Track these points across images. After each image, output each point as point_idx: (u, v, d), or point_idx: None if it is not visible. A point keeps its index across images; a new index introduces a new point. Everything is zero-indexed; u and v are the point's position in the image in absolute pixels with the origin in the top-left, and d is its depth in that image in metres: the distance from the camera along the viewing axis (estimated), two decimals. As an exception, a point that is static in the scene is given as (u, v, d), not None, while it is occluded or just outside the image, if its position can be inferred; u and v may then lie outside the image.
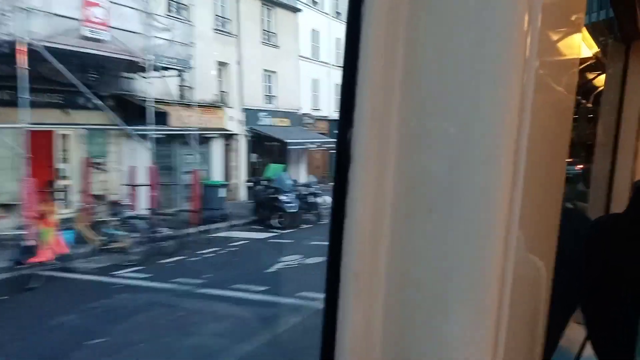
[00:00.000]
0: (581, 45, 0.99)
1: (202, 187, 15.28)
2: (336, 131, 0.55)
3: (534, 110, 0.53)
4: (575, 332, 1.19)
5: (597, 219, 1.27)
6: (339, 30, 32.75)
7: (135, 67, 13.21)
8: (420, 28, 0.51)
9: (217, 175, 19.01)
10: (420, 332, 0.53)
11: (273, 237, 13.18)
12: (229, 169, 20.74)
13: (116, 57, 12.40)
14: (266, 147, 22.31)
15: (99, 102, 13.35)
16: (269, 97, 23.28)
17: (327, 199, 16.25)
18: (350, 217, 0.52)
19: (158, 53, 13.58)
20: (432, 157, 0.52)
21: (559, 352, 1.03)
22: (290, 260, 10.10)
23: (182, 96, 18.02)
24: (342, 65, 0.54)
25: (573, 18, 0.73)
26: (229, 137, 20.39)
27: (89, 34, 11.39)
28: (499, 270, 0.51)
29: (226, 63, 20.19)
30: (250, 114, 21.40)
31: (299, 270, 9.36)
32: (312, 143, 22.99)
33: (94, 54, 11.75)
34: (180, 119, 17.41)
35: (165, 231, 11.19)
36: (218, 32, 19.77)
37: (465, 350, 0.52)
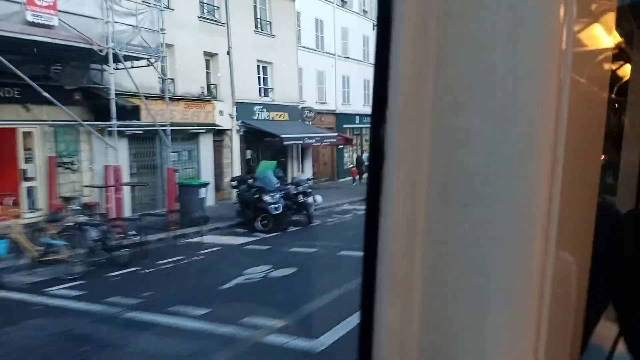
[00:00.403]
0: (613, 34, 0.86)
1: (179, 187, 13.97)
2: (369, 125, 0.54)
3: (570, 104, 0.53)
4: (607, 329, 1.11)
5: (628, 212, 1.14)
6: (345, 19, 31.29)
7: (97, 56, 11.92)
8: (453, 21, 0.51)
9: (207, 174, 17.72)
10: (458, 333, 0.52)
11: (251, 243, 11.79)
12: (221, 167, 19.43)
13: (70, 45, 11.11)
14: (264, 143, 20.92)
15: (63, 96, 12.13)
16: (265, 90, 21.88)
17: (319, 199, 14.77)
18: (385, 215, 0.51)
19: (121, 41, 12.25)
20: (468, 152, 0.51)
21: (591, 349, 1.01)
22: (254, 272, 8.69)
23: (163, 89, 16.73)
24: (372, 61, 0.54)
25: (606, 6, 0.73)
26: (219, 132, 19.06)
27: (34, 19, 10.11)
28: (538, 267, 0.51)
29: (214, 53, 18.84)
30: (244, 108, 20.03)
31: (258, 286, 7.93)
32: (311, 138, 21.52)
33: (43, 42, 10.47)
34: (162, 114, 16.13)
35: (126, 237, 9.91)
36: (204, 20, 18.43)
37: (505, 350, 0.51)
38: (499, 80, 0.49)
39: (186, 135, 17.32)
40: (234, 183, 13.72)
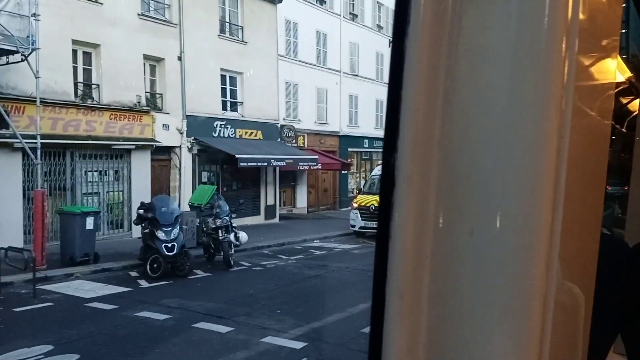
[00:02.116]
0: (616, 69, 0.98)
1: (59, 217, 11.03)
2: (381, 152, 0.57)
3: (572, 136, 0.55)
4: None
5: (637, 245, 1.15)
6: (354, 34, 28.34)
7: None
8: (460, 56, 0.54)
9: (143, 197, 14.75)
10: (464, 353, 0.54)
11: (109, 296, 8.59)
12: (167, 191, 16.49)
13: None
14: (229, 165, 17.83)
15: None
16: (232, 104, 18.95)
17: (243, 237, 11.48)
18: (394, 239, 0.54)
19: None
20: (474, 181, 0.53)
21: None
22: (16, 357, 5.51)
23: (82, 96, 14.04)
24: (386, 82, 0.57)
25: (608, 42, 0.75)
26: (163, 150, 16.19)
27: None
28: (540, 295, 0.53)
29: (161, 58, 16.13)
30: (200, 123, 17.14)
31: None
32: (280, 160, 18.30)
33: None
34: (78, 125, 13.39)
35: None
36: (148, 18, 15.77)
37: None
38: (503, 113, 0.52)
39: (111, 152, 14.51)
40: (141, 212, 10.72)
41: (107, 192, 14.53)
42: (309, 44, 25.30)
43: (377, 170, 19.00)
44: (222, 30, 18.40)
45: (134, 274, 10.47)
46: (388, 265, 0.54)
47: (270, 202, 20.66)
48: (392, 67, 0.54)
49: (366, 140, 29.59)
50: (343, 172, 27.68)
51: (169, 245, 9.93)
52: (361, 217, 17.03)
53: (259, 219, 19.88)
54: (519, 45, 0.51)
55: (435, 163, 0.54)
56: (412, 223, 0.54)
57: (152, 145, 15.43)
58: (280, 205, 24.80)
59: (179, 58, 16.50)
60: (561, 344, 0.60)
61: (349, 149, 28.75)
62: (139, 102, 15.10)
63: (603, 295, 0.77)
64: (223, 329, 6.65)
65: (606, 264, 0.79)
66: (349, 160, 27.95)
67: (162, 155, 16.30)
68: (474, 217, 0.53)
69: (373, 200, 17.08)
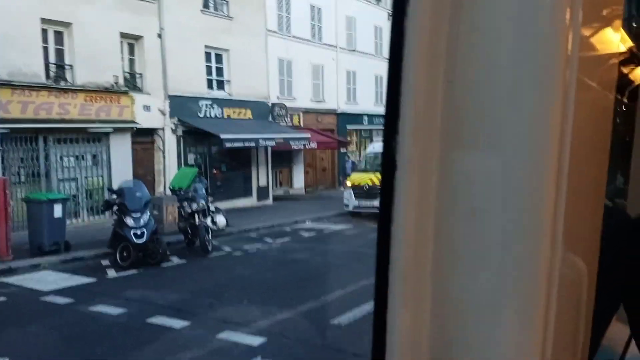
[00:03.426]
0: (620, 40, 0.90)
1: (26, 204, 10.47)
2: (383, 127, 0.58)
3: (576, 109, 0.54)
4: (618, 331, 1.14)
5: (639, 215, 1.16)
6: (350, 7, 27.29)
7: None
8: (461, 37, 0.53)
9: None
10: (469, 335, 0.54)
11: (66, 290, 8.04)
12: (152, 174, 15.91)
13: None
14: (217, 146, 17.12)
15: None
16: (218, 82, 18.19)
17: (220, 221, 10.88)
18: (396, 223, 0.53)
19: None
20: (476, 160, 0.53)
21: (603, 351, 1.02)
22: None
23: (54, 77, 13.38)
24: (386, 57, 0.57)
25: (612, 12, 0.74)
26: (146, 132, 15.55)
27: None
28: (545, 271, 0.53)
29: (139, 36, 15.37)
30: (184, 103, 16.44)
31: None
32: (269, 140, 17.58)
33: None
34: (50, 109, 12.76)
35: None
36: (123, -6, 14.98)
37: (513, 351, 0.53)
38: (505, 88, 0.52)
39: (88, 135, 13.89)
40: (114, 197, 10.10)
41: (85, 177, 13.96)
42: (302, 19, 24.37)
43: (372, 148, 18.25)
44: (205, 5, 17.55)
45: (105, 262, 9.90)
46: (390, 250, 0.54)
47: (263, 183, 20.02)
48: (391, 47, 0.53)
49: (365, 117, 28.76)
50: (342, 150, 26.98)
51: (138, 232, 9.33)
52: (355, 196, 16.37)
53: (251, 201, 19.29)
54: (521, 15, 0.51)
55: (437, 145, 0.54)
56: (414, 205, 0.54)
57: (132, 127, 14.78)
58: (276, 186, 24.23)
59: (159, 36, 15.73)
60: (565, 317, 0.60)
61: (348, 127, 27.96)
62: (116, 83, 14.41)
63: (606, 266, 0.77)
64: (178, 323, 6.07)
65: (608, 235, 0.79)
66: (347, 139, 27.23)
67: (144, 137, 15.67)
68: (476, 196, 0.53)
69: (367, 179, 16.40)
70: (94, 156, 14.13)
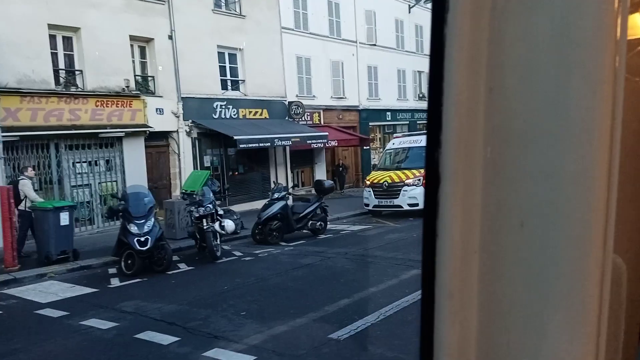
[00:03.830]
0: None
1: (34, 213, 10.34)
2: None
3: (625, 111, 0.52)
4: None
5: None
6: (368, 0, 26.68)
7: None
8: (503, 44, 0.51)
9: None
10: (517, 347, 0.53)
11: (62, 302, 7.81)
12: (168, 178, 15.75)
13: None
14: (235, 147, 16.83)
15: None
16: (233, 82, 17.91)
17: (229, 225, 10.51)
18: (441, 237, 0.53)
19: None
20: (521, 170, 0.52)
21: None
22: None
23: (64, 83, 13.30)
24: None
25: None
26: (160, 135, 15.38)
27: None
28: (595, 280, 0.51)
29: (150, 39, 15.20)
30: (198, 105, 16.22)
31: None
32: (285, 139, 17.17)
33: None
34: (60, 115, 12.69)
35: None
36: (132, -3, 14.82)
37: None
38: (549, 93, 0.50)
39: (100, 141, 13.78)
40: (118, 203, 9.87)
41: (99, 183, 13.87)
42: (320, 15, 23.94)
43: (392, 144, 17.65)
44: (217, 5, 17.28)
45: (112, 270, 9.69)
46: (436, 264, 0.52)
47: (282, 183, 19.64)
48: (431, 57, 0.52)
49: (388, 113, 28.11)
50: (364, 148, 26.42)
51: (142, 239, 9.06)
52: (374, 195, 15.86)
53: (270, 202, 18.94)
54: (563, 23, 0.48)
55: (481, 156, 0.52)
56: (459, 219, 0.52)
57: (145, 131, 14.62)
58: (298, 186, 23.88)
59: (170, 37, 15.53)
60: (615, 324, 0.58)
61: (370, 124, 27.40)
62: (127, 87, 14.26)
63: None
64: (167, 339, 5.71)
65: None
66: (370, 136, 26.64)
67: (158, 141, 15.51)
68: (524, 208, 0.51)
69: (386, 176, 15.86)
70: (108, 161, 14.02)
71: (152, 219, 9.39)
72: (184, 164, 15.88)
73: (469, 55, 0.50)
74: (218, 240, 10.28)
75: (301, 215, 12.59)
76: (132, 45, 14.81)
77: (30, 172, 10.62)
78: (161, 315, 6.66)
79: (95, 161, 13.80)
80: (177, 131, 15.79)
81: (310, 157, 24.34)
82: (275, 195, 12.28)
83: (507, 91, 0.51)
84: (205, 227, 10.20)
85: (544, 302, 0.51)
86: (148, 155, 15.12)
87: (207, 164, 16.82)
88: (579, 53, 0.48)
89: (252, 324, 6.15)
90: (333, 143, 22.60)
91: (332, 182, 15.33)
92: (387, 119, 28.36)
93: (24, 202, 10.25)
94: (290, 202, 13.19)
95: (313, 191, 23.64)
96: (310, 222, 12.71)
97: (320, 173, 24.59)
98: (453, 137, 0.51)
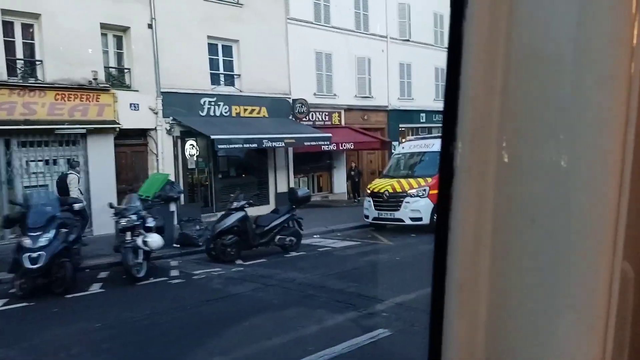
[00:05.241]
0: None
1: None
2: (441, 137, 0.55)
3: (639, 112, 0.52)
4: None
5: None
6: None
7: None
8: (519, 33, 0.51)
9: (103, 190, 12.68)
10: (525, 343, 0.53)
11: None
12: (144, 180, 14.35)
13: None
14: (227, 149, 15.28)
15: None
16: (227, 77, 16.32)
17: (153, 241, 8.78)
18: (453, 231, 0.53)
19: None
20: (534, 168, 0.52)
21: None
22: None
23: (22, 74, 12.17)
24: (443, 84, 0.54)
25: None
26: (136, 133, 14.02)
27: None
28: (605, 280, 0.51)
29: (126, 27, 13.88)
30: (181, 101, 14.75)
31: None
32: (276, 140, 15.34)
33: None
34: (12, 109, 11.56)
35: None
36: (104, -19, 13.53)
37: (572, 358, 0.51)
38: (566, 88, 0.49)
39: (60, 138, 12.56)
40: (18, 209, 8.48)
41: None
42: (344, 7, 22.05)
43: (401, 148, 15.44)
44: (207, -9, 15.78)
45: (13, 290, 8.25)
46: (447, 257, 0.52)
47: (283, 189, 17.86)
48: (449, 52, 0.52)
49: (423, 115, 25.75)
50: (393, 151, 24.18)
51: (34, 255, 7.54)
52: (374, 205, 13.76)
53: (267, 209, 17.21)
54: (582, 27, 0.48)
55: (495, 152, 0.52)
56: (472, 214, 0.52)
57: (115, 128, 13.28)
58: (314, 192, 22.08)
59: (150, 26, 14.15)
60: (624, 326, 0.58)
61: (401, 125, 25.16)
62: (95, 79, 12.97)
63: None
64: None
65: None
66: (401, 139, 24.36)
67: (135, 139, 14.17)
68: (535, 205, 0.51)
69: (388, 185, 13.73)
70: (69, 160, 12.77)
71: (52, 232, 7.85)
72: (163, 165, 14.45)
73: (486, 52, 0.50)
74: (140, 257, 8.60)
75: (266, 228, 10.75)
76: (104, 34, 13.55)
77: None
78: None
79: (54, 160, 12.59)
80: (155, 129, 14.38)
81: (328, 160, 22.48)
82: (234, 205, 10.51)
83: (523, 89, 0.50)
84: (126, 242, 8.57)
85: (553, 300, 0.50)
86: (121, 155, 13.81)
87: (191, 165, 15.33)
88: (594, 54, 0.47)
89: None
90: (348, 146, 20.61)
91: (308, 190, 13.38)
92: (421, 120, 26.00)
93: None
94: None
95: (330, 197, 21.77)
96: (279, 236, 10.85)
97: (339, 178, 22.66)
98: (468, 132, 0.50)
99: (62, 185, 11.05)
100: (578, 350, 0.50)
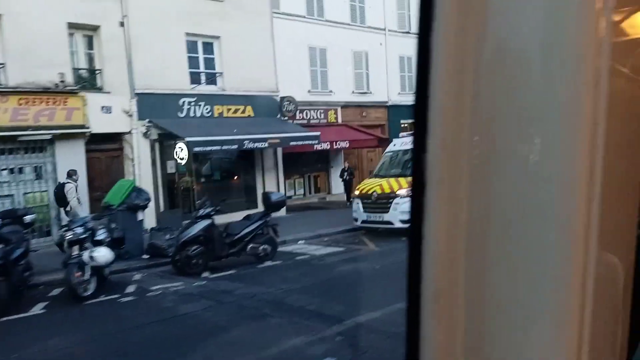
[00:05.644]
0: None
1: None
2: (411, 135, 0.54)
3: (609, 100, 0.52)
4: None
5: None
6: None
7: None
8: (487, 51, 0.52)
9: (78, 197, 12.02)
10: (503, 349, 0.53)
11: None
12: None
13: None
14: (208, 151, 14.53)
15: None
16: (208, 75, 15.56)
17: (102, 255, 8.03)
18: (427, 240, 0.53)
19: None
20: (505, 170, 0.52)
21: None
22: None
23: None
24: (413, 90, 0.55)
25: None
26: (110, 137, 13.34)
27: None
28: (579, 276, 0.52)
29: (96, 26, 13.20)
30: (158, 102, 14.03)
31: None
32: (260, 141, 14.51)
33: None
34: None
35: None
36: (71, -22, 12.85)
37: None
38: (535, 86, 0.50)
39: (25, 145, 11.93)
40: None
41: (24, 193, 12.01)
42: (338, 0, 21.24)
43: (392, 146, 14.51)
44: (185, -14, 15.02)
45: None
46: (422, 266, 0.52)
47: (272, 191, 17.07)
48: (418, 63, 0.52)
49: (424, 110, 24.75)
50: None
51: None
52: (363, 208, 12.90)
53: (255, 214, 16.45)
54: (549, 28, 0.48)
55: (466, 161, 0.53)
56: (445, 222, 0.52)
57: (84, 132, 12.61)
58: (310, 193, 21.28)
59: (122, 24, 13.45)
60: (602, 319, 0.57)
61: (402, 122, 24.13)
62: (62, 82, 12.31)
63: None
64: None
65: None
66: (401, 135, 23.38)
67: (109, 144, 13.50)
68: (509, 207, 0.51)
69: (376, 185, 12.86)
70: (36, 168, 12.14)
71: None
72: (140, 170, 13.75)
73: (455, 60, 0.50)
74: (87, 274, 7.86)
75: (237, 237, 9.96)
76: (72, 34, 12.88)
77: None
78: None
79: (20, 168, 11.96)
80: (130, 132, 13.68)
81: (325, 160, 21.66)
82: (200, 213, 9.74)
83: (493, 95, 0.50)
84: (72, 257, 7.84)
85: (528, 299, 0.51)
86: (95, 161, 13.15)
87: (171, 169, 14.61)
88: (562, 54, 0.48)
89: None
90: (343, 144, 19.76)
91: (283, 194, 12.55)
92: (423, 116, 25.01)
93: None
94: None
95: (328, 199, 20.91)
96: (251, 245, 10.06)
97: (337, 178, 21.78)
98: (439, 143, 0.51)
99: (60, 195, 10.88)
100: (554, 351, 0.50)
